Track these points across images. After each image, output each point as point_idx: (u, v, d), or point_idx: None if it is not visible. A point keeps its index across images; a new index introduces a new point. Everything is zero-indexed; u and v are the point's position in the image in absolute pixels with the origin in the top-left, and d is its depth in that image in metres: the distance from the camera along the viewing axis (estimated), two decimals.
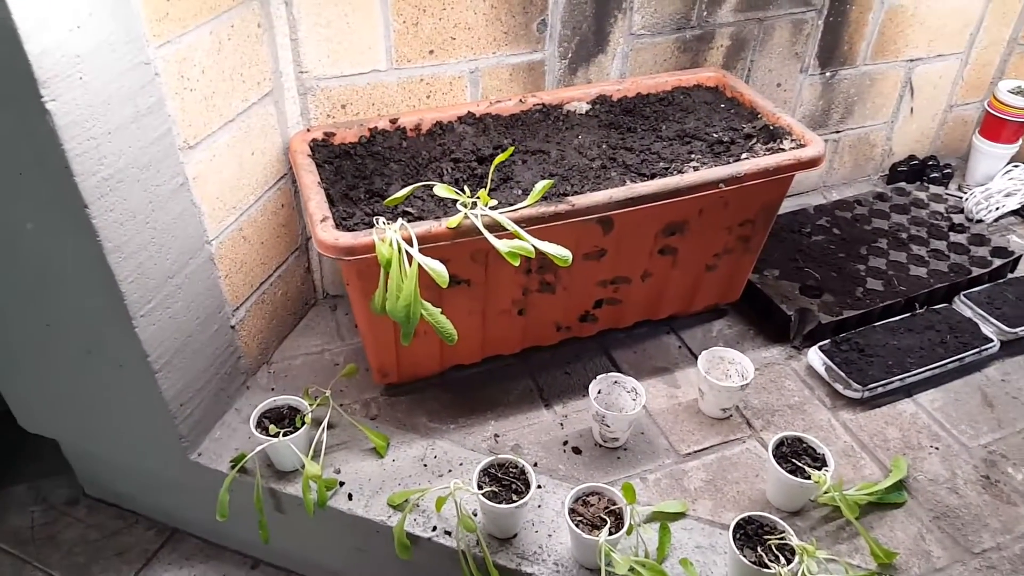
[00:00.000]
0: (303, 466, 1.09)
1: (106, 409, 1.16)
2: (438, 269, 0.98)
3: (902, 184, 1.76)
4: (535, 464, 1.18)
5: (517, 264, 1.00)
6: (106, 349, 1.05)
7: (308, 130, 1.24)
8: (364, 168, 1.20)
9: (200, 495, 1.21)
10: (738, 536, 0.99)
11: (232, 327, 1.22)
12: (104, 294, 0.97)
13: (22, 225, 0.94)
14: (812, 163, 1.20)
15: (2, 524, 1.40)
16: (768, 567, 0.94)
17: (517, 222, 1.03)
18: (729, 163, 1.18)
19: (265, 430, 1.11)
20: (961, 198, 1.71)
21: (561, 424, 1.26)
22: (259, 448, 1.10)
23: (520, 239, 1.01)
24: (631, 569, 0.97)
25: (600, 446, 1.22)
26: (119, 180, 0.92)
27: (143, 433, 1.17)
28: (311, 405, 1.17)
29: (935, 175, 1.81)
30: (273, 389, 1.30)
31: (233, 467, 1.12)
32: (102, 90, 0.87)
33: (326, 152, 1.22)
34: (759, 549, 0.97)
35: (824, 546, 1.06)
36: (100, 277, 0.95)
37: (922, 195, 1.71)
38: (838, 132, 1.75)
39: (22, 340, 1.10)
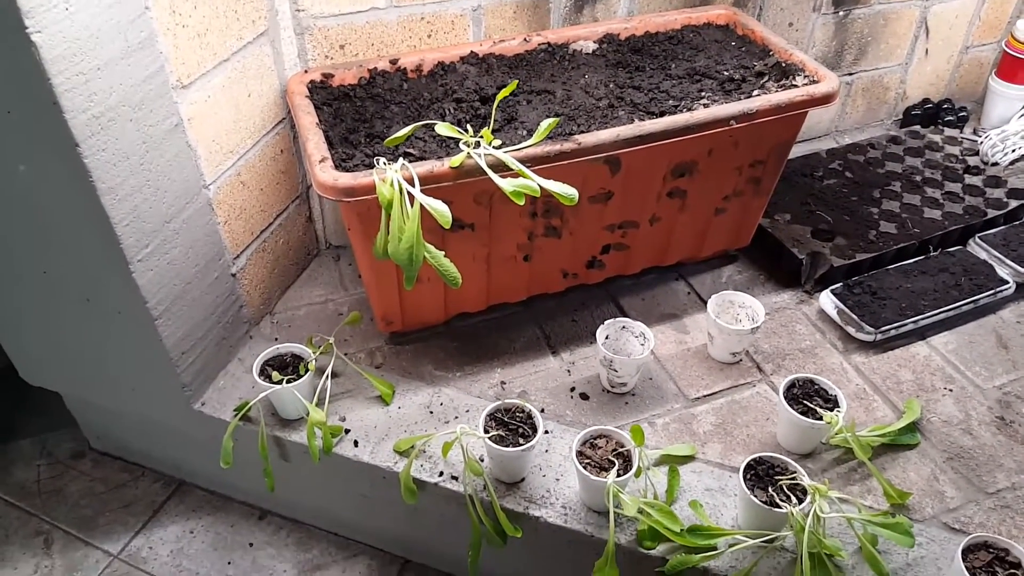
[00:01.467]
0: (307, 413, 1.08)
1: (108, 358, 1.14)
2: (441, 209, 0.95)
3: (916, 127, 1.72)
4: (542, 410, 1.17)
5: (522, 203, 0.97)
6: (104, 296, 1.03)
7: (306, 71, 1.21)
8: (364, 111, 1.17)
9: (205, 446, 1.20)
10: (748, 477, 0.97)
11: (233, 275, 1.20)
12: (100, 238, 0.95)
13: (14, 167, 0.92)
14: (826, 99, 1.16)
15: (8, 478, 1.40)
16: (779, 507, 0.93)
17: (522, 161, 1.00)
18: (740, 100, 1.15)
19: (268, 377, 1.10)
20: (976, 141, 1.67)
21: (568, 371, 1.24)
22: (262, 395, 1.09)
23: (525, 178, 0.98)
24: (640, 510, 0.96)
25: (608, 392, 1.20)
26: (111, 119, 0.89)
27: (145, 382, 1.16)
28: (315, 353, 1.15)
29: (950, 119, 1.76)
30: (277, 339, 1.28)
31: (236, 414, 1.11)
32: (90, 22, 0.83)
33: (325, 94, 1.19)
34: (770, 489, 0.96)
35: (836, 487, 1.05)
36: (95, 220, 0.93)
37: (937, 138, 1.67)
38: (851, 74, 1.70)
39: (20, 289, 1.08)
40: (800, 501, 0.94)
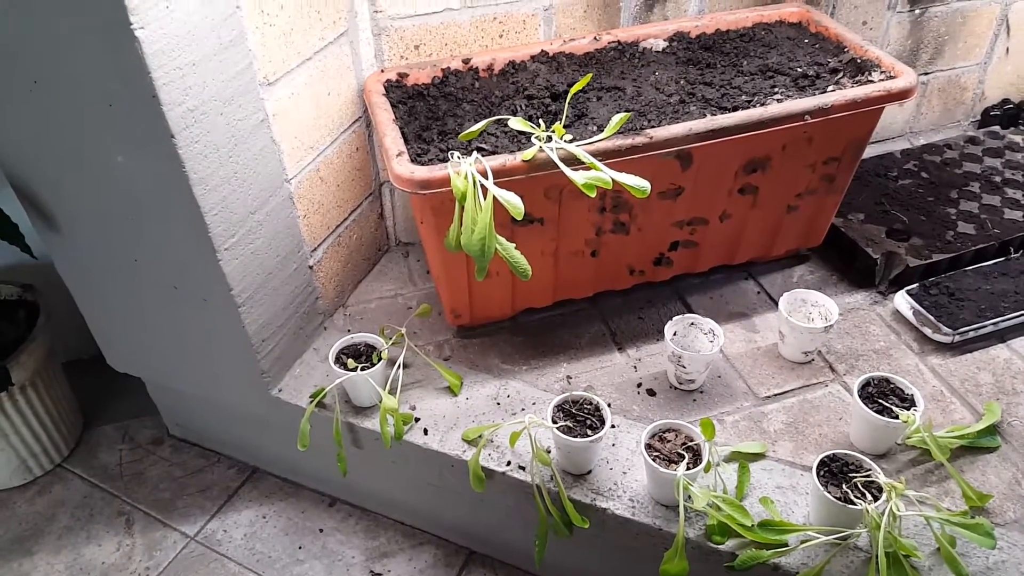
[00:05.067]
0: (380, 400, 1.11)
1: (192, 345, 1.19)
2: (514, 201, 0.97)
3: (995, 128, 1.67)
4: (608, 405, 1.17)
5: (593, 196, 0.98)
6: (191, 283, 1.08)
7: (382, 71, 1.24)
8: (437, 109, 1.20)
9: (280, 432, 1.24)
10: (822, 473, 0.96)
11: (310, 267, 1.23)
12: (190, 227, 0.99)
13: (112, 159, 0.97)
14: (903, 95, 1.14)
15: (93, 460, 1.47)
16: (854, 504, 0.91)
17: (593, 155, 1.01)
18: (815, 95, 1.14)
19: (343, 365, 1.13)
20: None
21: (635, 367, 1.24)
22: (338, 382, 1.12)
23: (596, 171, 0.99)
24: (710, 504, 0.95)
25: (675, 388, 1.20)
26: (203, 112, 0.94)
27: (226, 368, 1.20)
28: (387, 343, 1.18)
29: None
30: (349, 330, 1.32)
31: (312, 400, 1.14)
32: (186, 20, 0.88)
33: (399, 93, 1.22)
34: (844, 486, 0.94)
35: (912, 488, 1.02)
36: (186, 209, 0.98)
37: (1018, 138, 1.62)
38: (927, 74, 1.66)
39: (112, 277, 1.14)
40: (875, 499, 0.92)
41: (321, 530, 1.31)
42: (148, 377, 1.39)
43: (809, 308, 1.22)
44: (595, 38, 1.30)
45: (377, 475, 1.24)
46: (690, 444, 1.01)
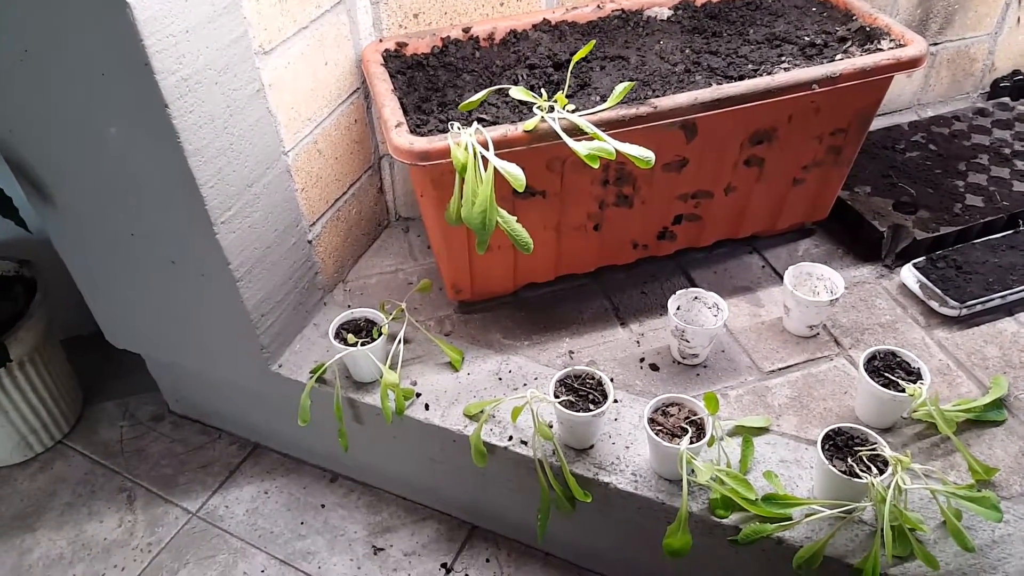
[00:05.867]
0: (381, 376, 1.10)
1: (190, 320, 1.18)
2: (515, 172, 0.95)
3: (1005, 100, 1.64)
4: (611, 379, 1.16)
5: (596, 167, 0.96)
6: (189, 258, 1.07)
7: (380, 40, 1.22)
8: (437, 79, 1.18)
9: (281, 408, 1.23)
10: (827, 447, 0.95)
11: (309, 242, 1.22)
12: (186, 199, 0.98)
13: (106, 130, 0.95)
14: (913, 63, 1.11)
15: (94, 436, 1.47)
16: (859, 478, 0.90)
17: (596, 126, 0.99)
18: (823, 64, 1.11)
19: (344, 341, 1.12)
20: None
21: (638, 342, 1.23)
22: (338, 357, 1.11)
23: (599, 141, 0.97)
24: (713, 478, 0.94)
25: (679, 363, 1.19)
26: (197, 81, 0.92)
27: (226, 344, 1.19)
28: (387, 319, 1.17)
29: None
30: (349, 306, 1.30)
31: (313, 375, 1.13)
32: None
33: (399, 63, 1.20)
34: (849, 460, 0.93)
35: (918, 462, 1.01)
36: (182, 181, 0.96)
37: None
38: (936, 45, 1.63)
39: (109, 252, 1.13)
40: (881, 472, 0.91)
41: (323, 505, 1.31)
42: (148, 353, 1.38)
43: (815, 282, 1.20)
44: (598, 6, 1.28)
45: (378, 450, 1.24)
46: (693, 418, 1.00)
